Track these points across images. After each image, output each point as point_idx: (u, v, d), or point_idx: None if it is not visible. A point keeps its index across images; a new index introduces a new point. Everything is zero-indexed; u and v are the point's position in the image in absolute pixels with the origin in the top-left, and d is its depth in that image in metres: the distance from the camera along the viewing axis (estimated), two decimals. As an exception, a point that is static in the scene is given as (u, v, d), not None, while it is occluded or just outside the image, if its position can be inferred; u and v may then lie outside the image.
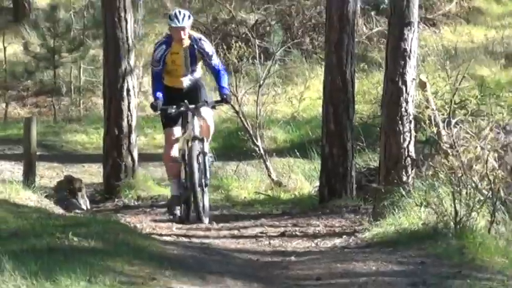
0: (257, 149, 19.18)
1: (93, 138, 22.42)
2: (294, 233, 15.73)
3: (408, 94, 16.56)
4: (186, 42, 13.62)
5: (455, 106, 17.15)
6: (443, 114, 16.95)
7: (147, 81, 25.33)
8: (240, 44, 25.92)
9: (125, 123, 19.81)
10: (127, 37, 20.04)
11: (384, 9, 22.85)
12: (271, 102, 22.58)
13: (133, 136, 19.96)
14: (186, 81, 14.13)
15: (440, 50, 26.23)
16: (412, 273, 12.34)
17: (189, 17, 13.96)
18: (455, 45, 27.13)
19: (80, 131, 24.15)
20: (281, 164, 20.74)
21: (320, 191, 17.93)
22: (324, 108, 17.97)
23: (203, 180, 14.60)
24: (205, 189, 14.95)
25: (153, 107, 14.47)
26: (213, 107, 14.52)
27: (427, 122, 16.81)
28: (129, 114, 19.94)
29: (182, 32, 13.53)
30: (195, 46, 13.79)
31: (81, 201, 17.76)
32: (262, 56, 24.58)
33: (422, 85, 17.88)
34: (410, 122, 16.39)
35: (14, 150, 21.04)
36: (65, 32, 26.27)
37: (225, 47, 26.18)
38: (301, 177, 19.51)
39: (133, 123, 19.94)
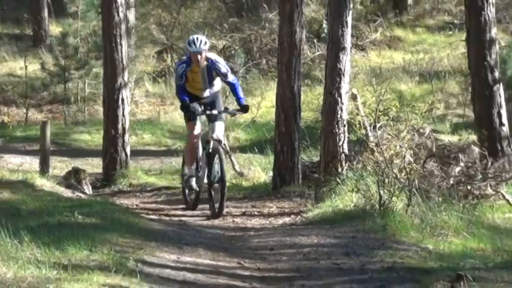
0: (224, 146, 19.05)
1: (94, 138, 22.24)
2: (252, 213, 15.66)
3: (343, 104, 16.85)
4: (203, 63, 13.12)
5: (379, 113, 17.11)
6: (370, 120, 17.00)
7: (138, 93, 25.20)
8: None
9: (120, 126, 19.71)
10: (122, 58, 19.91)
11: (323, 37, 22.59)
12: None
13: (126, 136, 19.89)
14: (205, 93, 13.67)
15: (368, 69, 26.23)
16: (345, 244, 12.30)
17: (206, 42, 13.44)
18: (380, 66, 27.11)
19: (84, 132, 24.01)
20: (243, 159, 20.60)
21: (273, 179, 17.83)
22: (277, 114, 17.88)
23: (218, 177, 13.85)
24: (217, 186, 14.11)
25: (184, 106, 13.89)
26: (234, 115, 14.42)
27: (358, 125, 17.04)
28: (123, 118, 19.85)
29: (199, 56, 13.02)
30: (211, 67, 13.30)
31: (85, 187, 17.63)
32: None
33: (353, 97, 17.95)
34: (344, 125, 16.80)
35: (32, 146, 20.88)
36: (73, 54, 26.11)
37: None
38: (259, 169, 19.39)
39: (127, 126, 19.88)
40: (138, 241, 12.19)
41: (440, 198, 13.41)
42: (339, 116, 16.98)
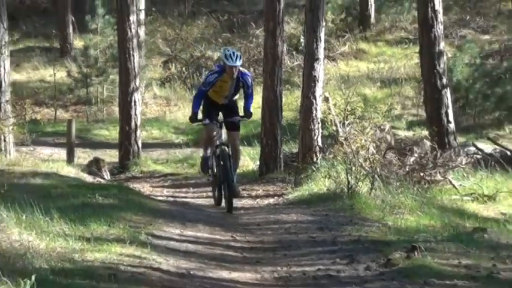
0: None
1: (112, 133, 22.16)
2: (243, 195, 15.64)
3: (317, 105, 16.92)
4: (235, 75, 12.33)
5: (347, 113, 17.08)
6: (339, 118, 16.97)
7: (147, 96, 25.12)
8: (208, 71, 25.82)
9: (132, 123, 19.66)
10: (134, 67, 19.85)
11: (301, 49, 22.57)
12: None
13: (138, 131, 19.86)
14: (225, 101, 12.73)
15: (338, 76, 26.13)
16: (319, 221, 12.36)
17: (240, 57, 12.56)
18: (348, 74, 27.03)
19: (103, 128, 23.93)
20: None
21: (260, 167, 17.87)
22: (262, 113, 17.93)
23: (228, 176, 12.64)
24: (227, 186, 12.82)
25: (191, 119, 13.16)
26: (239, 121, 13.13)
27: (329, 123, 16.96)
28: (135, 117, 19.81)
29: (234, 69, 12.22)
30: (241, 79, 12.47)
31: (104, 174, 17.62)
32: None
33: (326, 99, 17.94)
34: (318, 123, 16.88)
35: (60, 140, 20.83)
36: (93, 64, 26.05)
37: (198, 73, 26.04)
38: (248, 159, 19.33)
39: (138, 123, 19.86)
40: (148, 218, 12.21)
41: (397, 183, 13.44)
42: (313, 115, 17.05)
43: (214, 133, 12.76)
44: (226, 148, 12.60)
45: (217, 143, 12.62)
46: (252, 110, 13.47)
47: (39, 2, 31.89)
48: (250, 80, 12.78)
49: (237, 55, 12.44)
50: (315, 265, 9.54)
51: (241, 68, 12.67)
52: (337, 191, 13.99)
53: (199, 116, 13.25)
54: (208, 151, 12.93)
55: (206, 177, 14.08)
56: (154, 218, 12.31)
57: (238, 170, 18.62)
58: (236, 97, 13.05)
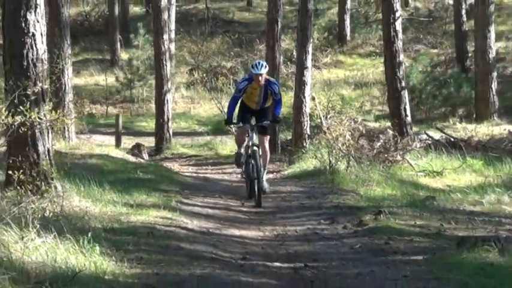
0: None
1: (149, 124, 22.16)
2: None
3: (306, 103, 17.07)
4: (263, 83, 11.03)
5: (329, 109, 17.12)
6: (323, 113, 16.98)
7: (176, 96, 25.10)
8: (222, 77, 25.77)
9: (165, 117, 19.68)
10: (166, 74, 19.83)
11: (293, 60, 22.53)
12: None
13: (169, 123, 19.90)
14: (257, 106, 11.37)
15: (322, 81, 26.12)
16: (308, 191, 12.37)
17: (266, 66, 11.26)
18: (329, 79, 27.04)
19: (143, 120, 24.00)
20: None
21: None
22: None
23: (257, 174, 11.01)
24: (257, 182, 11.05)
25: (225, 122, 11.96)
26: (268, 125, 11.65)
27: (315, 116, 16.94)
28: (167, 112, 19.84)
29: (260, 77, 10.93)
30: (269, 87, 11.17)
31: (143, 155, 17.61)
32: (233, 83, 24.34)
33: (313, 98, 18.01)
34: (307, 116, 17.16)
35: (110, 130, 20.83)
36: (136, 71, 26.06)
37: (215, 78, 25.97)
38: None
39: (169, 117, 19.93)
40: (177, 189, 12.22)
41: (367, 162, 13.38)
42: (303, 110, 17.12)
43: (246, 135, 11.48)
44: (256, 149, 11.24)
45: (249, 144, 11.32)
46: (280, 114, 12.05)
47: (94, 24, 31.79)
48: (277, 88, 11.47)
49: (262, 64, 11.30)
50: (305, 225, 9.54)
51: (269, 78, 11.53)
52: (321, 168, 13.96)
53: (234, 119, 12.04)
54: (242, 149, 11.65)
55: (241, 173, 12.29)
56: (182, 189, 12.34)
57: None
58: (268, 104, 11.72)
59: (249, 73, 11.49)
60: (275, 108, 11.68)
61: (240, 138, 11.78)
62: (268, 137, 11.94)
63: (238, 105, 11.74)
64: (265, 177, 11.67)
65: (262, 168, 11.29)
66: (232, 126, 12.52)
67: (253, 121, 11.71)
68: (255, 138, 11.40)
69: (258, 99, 11.44)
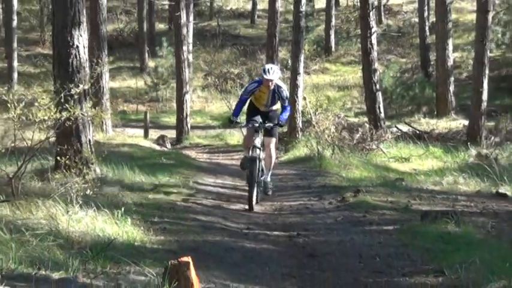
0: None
1: (171, 119, 22.10)
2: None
3: (299, 102, 17.12)
4: (272, 88, 9.17)
5: (317, 107, 17.10)
6: (313, 110, 16.91)
7: (193, 96, 25.02)
8: (231, 81, 25.80)
9: (184, 113, 19.69)
10: (185, 78, 19.82)
11: (289, 67, 22.42)
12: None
13: (187, 118, 19.92)
14: (265, 108, 9.41)
15: (312, 84, 26.07)
16: (300, 174, 12.38)
17: (277, 72, 9.41)
18: (318, 83, 27.02)
19: (166, 116, 23.99)
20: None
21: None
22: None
23: (251, 178, 8.95)
24: (252, 185, 9.02)
25: (230, 121, 9.71)
26: (272, 127, 9.31)
27: (306, 113, 16.89)
28: (186, 110, 19.83)
29: (270, 82, 9.07)
30: (276, 91, 9.28)
31: (167, 145, 17.68)
32: (239, 86, 24.32)
33: (304, 98, 17.91)
34: (300, 113, 17.05)
35: (140, 124, 20.79)
36: (160, 76, 26.05)
37: (225, 82, 25.98)
38: (256, 135, 19.35)
39: (188, 113, 19.98)
40: (194, 172, 12.19)
41: (348, 150, 13.37)
42: (296, 108, 17.10)
43: (253, 137, 9.44)
44: (258, 152, 9.18)
45: (254, 144, 9.29)
46: (286, 119, 9.95)
47: (127, 38, 31.71)
48: (285, 94, 9.51)
49: (273, 70, 9.35)
50: (297, 201, 9.53)
51: (278, 82, 9.53)
52: (311, 155, 13.94)
53: (242, 120, 9.90)
54: (249, 152, 9.56)
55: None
56: (197, 172, 12.30)
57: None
58: (275, 107, 9.79)
59: (260, 76, 9.69)
60: (281, 113, 9.70)
61: (248, 142, 9.74)
62: (275, 139, 9.72)
63: (247, 105, 9.88)
64: (268, 178, 9.71)
65: (260, 172, 9.33)
66: (237, 125, 10.21)
67: (259, 121, 9.67)
68: (259, 141, 9.31)
69: (265, 102, 9.62)
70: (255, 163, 9.05)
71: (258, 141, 9.27)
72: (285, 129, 17.80)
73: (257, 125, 9.44)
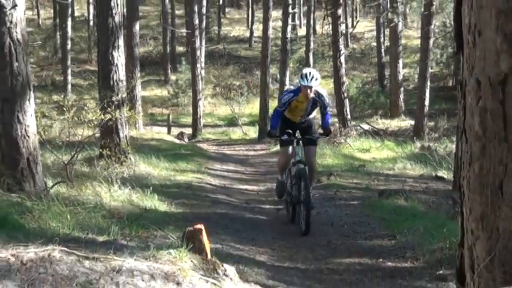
0: (239, 122, 18.79)
1: (188, 120, 21.94)
2: (249, 149, 15.50)
3: None
4: (311, 96, 6.05)
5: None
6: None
7: (205, 102, 24.85)
8: (233, 91, 25.72)
9: (198, 115, 19.53)
10: (199, 89, 19.69)
11: (278, 80, 22.35)
12: (243, 109, 22.56)
13: (201, 119, 19.75)
14: (302, 119, 6.27)
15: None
16: (286, 161, 12.18)
17: (317, 78, 6.05)
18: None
19: (184, 117, 23.73)
20: (246, 128, 20.41)
21: (258, 136, 17.65)
22: (260, 111, 17.71)
23: (305, 196, 5.90)
24: (305, 206, 5.92)
25: (270, 135, 6.50)
26: (318, 138, 6.47)
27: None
28: (199, 112, 19.66)
29: (309, 90, 5.94)
30: (318, 99, 6.13)
31: (185, 139, 17.55)
32: (240, 95, 24.22)
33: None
34: None
35: (164, 123, 20.64)
36: (180, 87, 25.95)
37: (229, 91, 25.89)
38: (252, 132, 19.22)
39: (201, 115, 19.80)
40: (205, 160, 12.15)
41: (323, 144, 13.31)
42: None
43: (290, 152, 6.37)
44: (303, 166, 6.14)
45: (295, 160, 6.25)
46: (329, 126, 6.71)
47: (155, 58, 31.49)
48: (327, 101, 6.35)
49: (312, 75, 6.08)
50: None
51: (318, 89, 6.30)
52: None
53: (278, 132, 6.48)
54: (285, 175, 6.57)
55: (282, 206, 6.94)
56: (208, 160, 12.26)
57: (248, 137, 18.62)
58: (312, 115, 6.58)
59: (297, 84, 6.39)
60: (324, 121, 6.48)
61: (284, 162, 6.56)
62: (315, 148, 6.63)
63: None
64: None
65: (311, 189, 6.29)
66: (277, 139, 6.71)
67: (297, 135, 6.53)
68: (301, 154, 6.29)
69: (303, 113, 6.43)
70: (302, 179, 6.01)
71: (300, 155, 6.25)
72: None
73: (298, 137, 6.37)
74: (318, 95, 6.21)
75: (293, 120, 6.39)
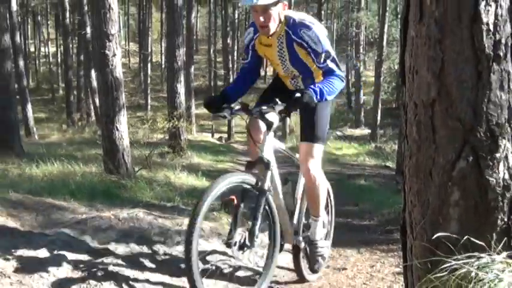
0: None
1: (225, 127, 21.65)
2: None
3: None
4: (275, 29, 0.97)
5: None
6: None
7: (236, 118, 24.50)
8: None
9: (232, 124, 19.15)
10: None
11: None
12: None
13: (233, 128, 19.24)
14: (294, 82, 1.23)
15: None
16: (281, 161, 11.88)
17: None
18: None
19: (223, 126, 23.39)
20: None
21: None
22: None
23: (273, 240, 1.61)
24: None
25: (206, 106, 1.39)
26: (282, 110, 1.34)
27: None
28: (232, 124, 19.28)
29: (261, 16, 0.97)
30: (292, 36, 1.00)
31: (223, 141, 17.24)
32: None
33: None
34: None
35: (209, 130, 20.48)
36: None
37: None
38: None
39: (233, 125, 19.27)
40: (236, 154, 11.77)
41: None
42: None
43: (261, 135, 1.70)
44: (265, 167, 1.67)
45: (259, 155, 1.59)
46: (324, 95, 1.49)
47: (203, 88, 31.43)
48: (314, 38, 1.20)
49: None
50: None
51: (293, 14, 1.28)
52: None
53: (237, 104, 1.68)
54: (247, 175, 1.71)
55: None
56: (238, 154, 11.90)
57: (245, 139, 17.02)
58: (309, 76, 1.43)
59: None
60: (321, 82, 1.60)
61: (251, 147, 2.05)
62: (317, 145, 2.06)
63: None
64: (318, 232, 2.08)
65: (297, 222, 2.08)
66: (217, 113, 1.58)
67: (278, 106, 1.74)
68: (268, 149, 1.91)
69: (281, 69, 1.71)
70: (261, 200, 1.90)
71: (266, 150, 2.05)
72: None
73: (265, 107, 1.90)
74: (292, 25, 1.68)
75: (286, 83, 2.14)
